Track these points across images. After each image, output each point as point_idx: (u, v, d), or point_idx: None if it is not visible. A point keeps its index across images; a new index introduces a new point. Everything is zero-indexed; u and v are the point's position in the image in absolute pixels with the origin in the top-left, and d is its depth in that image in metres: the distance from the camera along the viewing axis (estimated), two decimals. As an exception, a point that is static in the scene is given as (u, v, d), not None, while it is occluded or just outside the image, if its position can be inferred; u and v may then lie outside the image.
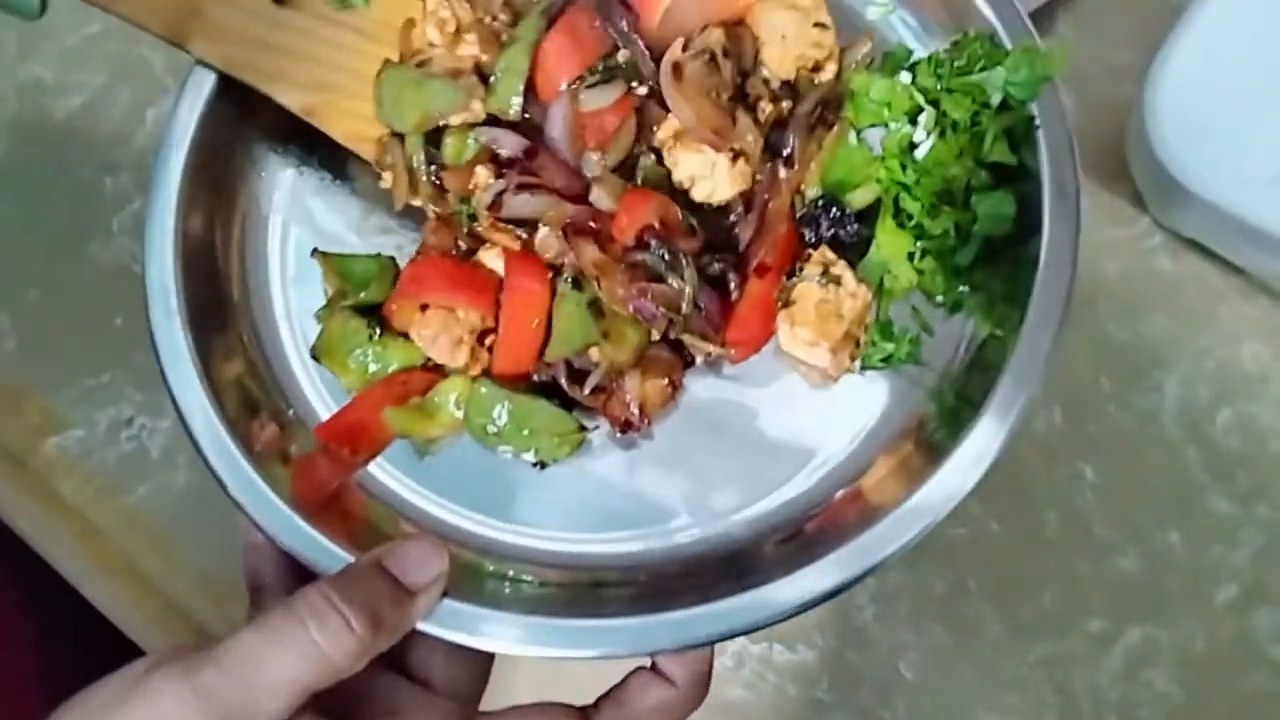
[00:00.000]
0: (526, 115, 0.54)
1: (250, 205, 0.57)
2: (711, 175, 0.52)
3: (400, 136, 0.55)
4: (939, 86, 0.53)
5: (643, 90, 0.53)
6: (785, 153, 0.54)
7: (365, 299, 0.54)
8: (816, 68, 0.54)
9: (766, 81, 0.53)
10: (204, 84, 0.55)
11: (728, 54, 0.52)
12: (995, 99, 0.51)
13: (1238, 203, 0.62)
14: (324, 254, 0.55)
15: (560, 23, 0.53)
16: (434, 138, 0.55)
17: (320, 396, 0.55)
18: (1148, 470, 0.66)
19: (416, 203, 0.55)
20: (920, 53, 0.56)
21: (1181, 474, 0.66)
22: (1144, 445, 0.67)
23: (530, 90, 0.53)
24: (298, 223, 0.58)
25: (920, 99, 0.53)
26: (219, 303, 0.55)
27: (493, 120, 0.54)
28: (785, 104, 0.53)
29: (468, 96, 0.53)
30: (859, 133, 0.55)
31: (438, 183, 0.54)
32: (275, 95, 0.54)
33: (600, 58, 0.53)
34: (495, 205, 0.53)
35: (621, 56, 0.53)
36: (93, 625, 0.66)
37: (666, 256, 0.51)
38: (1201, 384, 0.68)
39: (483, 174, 0.54)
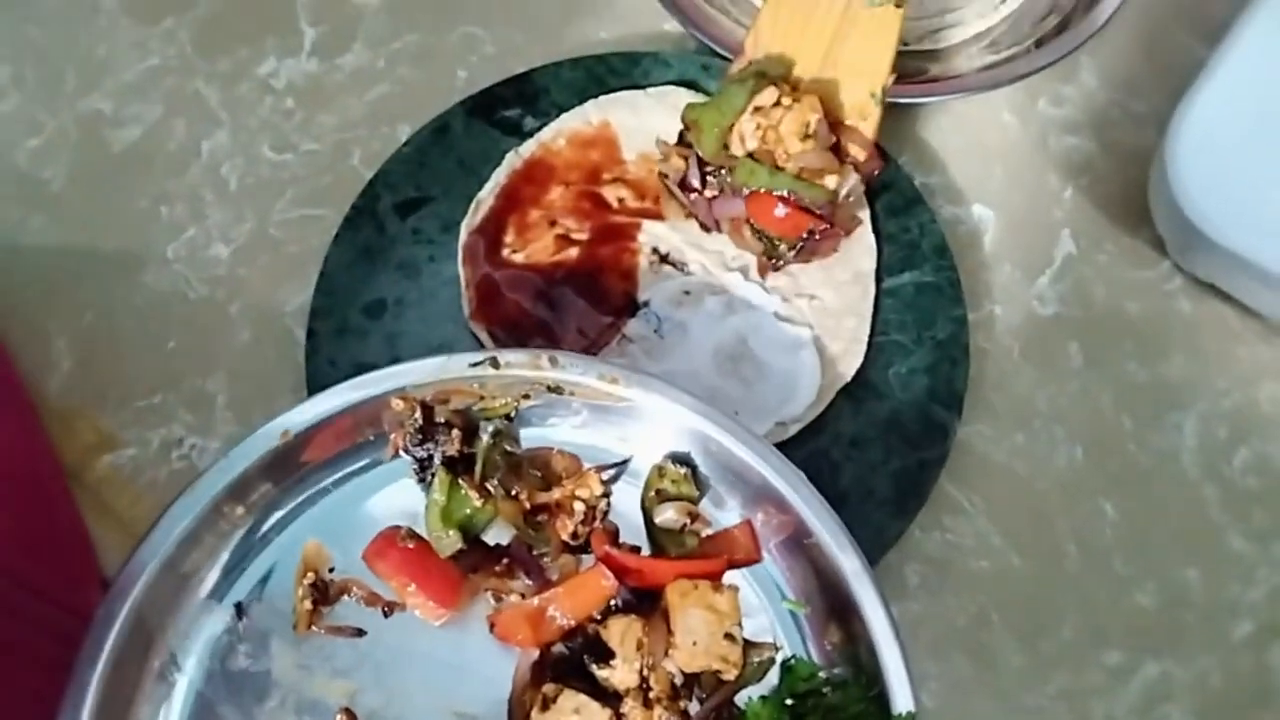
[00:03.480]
0: None
1: (166, 666, 0.58)
2: None
3: None
4: None
5: None
6: None
7: None
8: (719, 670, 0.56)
9: (670, 676, 0.56)
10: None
11: (640, 647, 0.55)
12: None
13: (1257, 249, 0.64)
14: None
15: None
16: None
17: None
18: (1167, 507, 0.68)
19: None
20: (817, 654, 0.58)
21: (1200, 512, 0.68)
22: (1163, 483, 0.68)
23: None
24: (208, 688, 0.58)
25: None
26: None
27: None
28: (684, 704, 0.56)
29: None
30: None
31: None
32: None
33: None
34: None
35: None
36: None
37: None
38: (1220, 424, 0.69)
39: None
